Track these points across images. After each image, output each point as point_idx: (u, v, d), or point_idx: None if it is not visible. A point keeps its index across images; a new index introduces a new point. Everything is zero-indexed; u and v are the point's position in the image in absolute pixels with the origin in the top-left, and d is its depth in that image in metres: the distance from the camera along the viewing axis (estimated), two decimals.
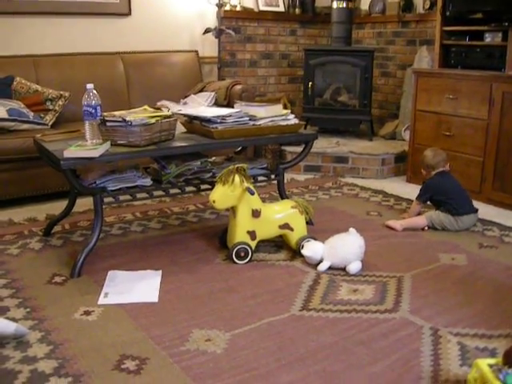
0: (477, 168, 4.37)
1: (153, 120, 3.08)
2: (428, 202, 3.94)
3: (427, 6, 5.61)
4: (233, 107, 3.60)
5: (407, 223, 3.80)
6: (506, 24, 4.30)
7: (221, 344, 2.33)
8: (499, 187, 4.24)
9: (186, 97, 5.15)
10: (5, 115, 4.06)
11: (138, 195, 3.27)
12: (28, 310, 2.61)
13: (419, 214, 3.93)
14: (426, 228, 3.75)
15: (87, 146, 2.90)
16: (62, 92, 4.56)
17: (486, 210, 4.14)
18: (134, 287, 2.85)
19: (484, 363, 1.92)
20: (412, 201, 4.05)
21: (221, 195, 3.06)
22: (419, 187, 4.05)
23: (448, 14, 4.75)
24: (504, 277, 3.04)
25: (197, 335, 2.39)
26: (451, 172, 3.95)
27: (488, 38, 4.55)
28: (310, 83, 5.78)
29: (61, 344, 2.32)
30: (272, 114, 3.48)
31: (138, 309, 2.63)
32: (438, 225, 3.78)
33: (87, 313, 2.58)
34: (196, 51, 5.70)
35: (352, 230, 3.14)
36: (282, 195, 3.76)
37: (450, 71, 4.71)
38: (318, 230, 3.59)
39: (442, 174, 3.88)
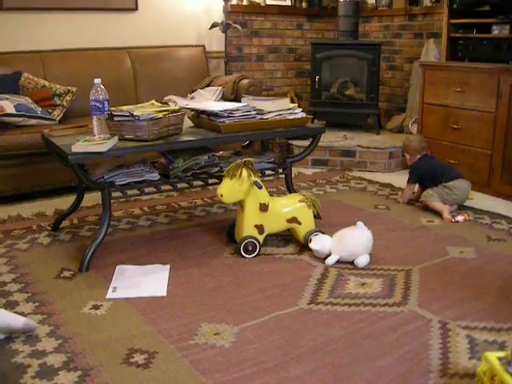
0: (485, 161, 4.35)
1: (160, 114, 3.08)
2: (417, 187, 4.14)
3: None
4: (240, 101, 3.60)
5: (447, 211, 3.84)
6: None
7: (229, 338, 2.33)
8: (507, 180, 4.22)
9: (193, 91, 5.15)
10: (12, 111, 4.07)
11: (146, 190, 3.28)
12: (37, 304, 2.62)
13: (416, 197, 4.16)
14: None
15: (95, 141, 2.90)
16: (69, 87, 4.56)
17: (494, 203, 4.14)
18: (143, 281, 2.85)
19: (493, 356, 1.91)
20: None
21: (228, 189, 3.06)
22: None
23: (455, 6, 4.73)
24: None
25: (205, 329, 2.40)
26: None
27: (495, 31, 4.53)
28: (317, 77, 5.77)
29: (70, 338, 2.32)
30: (279, 108, 3.48)
31: (147, 303, 2.63)
32: (445, 199, 3.89)
33: (96, 307, 2.59)
34: (203, 46, 5.69)
35: (360, 223, 3.13)
36: (290, 189, 3.76)
37: (458, 64, 4.70)
38: (325, 223, 3.59)
39: (425, 157, 4.12)
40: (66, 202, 3.92)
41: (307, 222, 3.26)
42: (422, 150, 4.12)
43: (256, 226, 3.16)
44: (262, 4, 6.11)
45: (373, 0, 6.34)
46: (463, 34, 4.78)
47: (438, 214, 3.88)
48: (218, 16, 5.77)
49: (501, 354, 1.93)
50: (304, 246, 3.27)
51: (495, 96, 4.26)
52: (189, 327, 2.41)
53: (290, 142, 5.33)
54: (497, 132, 4.26)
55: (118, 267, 3.02)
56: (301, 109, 3.59)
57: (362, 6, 6.18)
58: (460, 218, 3.77)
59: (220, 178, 3.28)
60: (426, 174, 4.03)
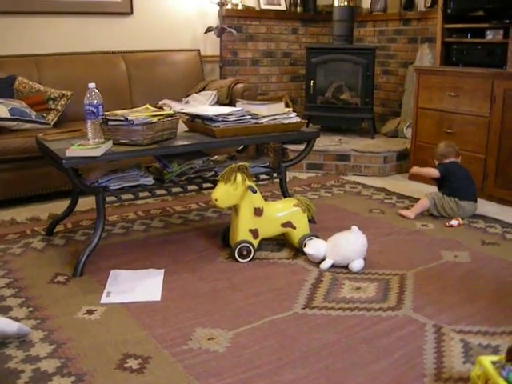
0: (479, 165, 4.36)
1: (155, 119, 3.08)
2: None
3: (428, 4, 5.60)
4: (235, 106, 3.60)
5: (415, 208, 3.97)
6: (507, 21, 4.32)
7: (223, 342, 2.33)
8: (501, 184, 4.24)
9: (187, 96, 5.15)
10: (7, 115, 4.06)
11: (141, 194, 3.27)
12: (30, 309, 2.61)
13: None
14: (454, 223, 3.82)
15: (89, 145, 2.89)
16: (64, 91, 4.56)
17: (488, 207, 4.14)
18: (137, 286, 2.85)
19: (487, 360, 1.92)
20: (415, 198, 4.13)
21: (223, 194, 3.06)
22: (421, 185, 4.48)
23: (449, 11, 4.75)
24: (507, 274, 3.03)
25: (199, 334, 2.39)
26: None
27: (489, 36, 4.55)
28: (312, 81, 5.78)
29: (63, 343, 2.32)
30: (274, 113, 3.48)
31: (141, 308, 2.63)
32: (439, 207, 3.93)
33: (90, 312, 2.59)
34: (198, 50, 5.70)
35: (354, 227, 3.14)
36: (285, 193, 3.76)
37: (452, 69, 4.71)
38: (320, 228, 3.59)
39: (453, 163, 4.04)
40: (60, 206, 3.91)
41: (302, 227, 3.26)
42: (448, 155, 4.04)
43: (250, 230, 3.16)
44: (257, 8, 6.12)
45: (367, 5, 6.37)
46: (457, 39, 4.80)
47: (433, 218, 3.90)
48: (213, 20, 5.78)
49: (495, 358, 1.94)
50: (298, 251, 3.27)
51: (489, 100, 4.28)
52: (183, 332, 2.41)
53: (284, 146, 5.34)
54: (491, 136, 4.28)
55: (112, 272, 3.02)
56: (295, 113, 3.60)
57: (356, 10, 6.20)
58: (454, 222, 3.78)
59: (214, 183, 3.28)
60: (446, 179, 3.98)
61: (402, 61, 6.06)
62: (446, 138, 4.57)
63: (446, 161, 4.04)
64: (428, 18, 5.64)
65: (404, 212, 3.98)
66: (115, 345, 2.31)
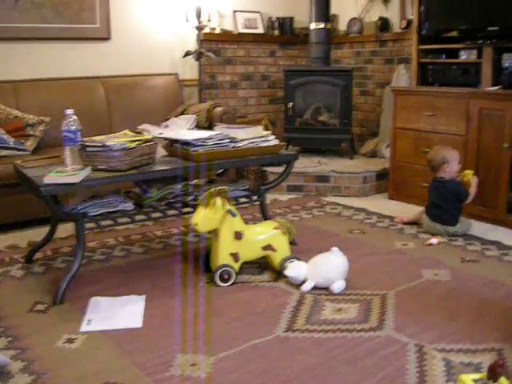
0: None
1: (133, 144, 3.08)
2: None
3: (404, 25, 5.69)
4: (214, 129, 3.61)
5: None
6: (481, 41, 4.40)
7: (206, 368, 2.31)
8: (480, 202, 4.27)
9: (167, 120, 5.15)
10: None
11: (120, 220, 3.26)
12: (10, 339, 2.57)
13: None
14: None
15: (67, 172, 2.89)
16: (42, 117, 4.55)
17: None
18: (118, 313, 2.82)
19: (469, 378, 1.93)
20: (394, 217, 4.18)
21: (203, 218, 3.06)
22: (401, 204, 4.54)
23: (424, 32, 4.84)
24: (487, 291, 3.06)
25: (181, 360, 2.38)
26: None
27: (463, 56, 4.64)
28: (291, 104, 5.81)
29: (44, 373, 2.29)
30: (252, 136, 3.49)
31: (122, 335, 2.60)
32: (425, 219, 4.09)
33: (70, 340, 2.56)
34: (176, 74, 5.72)
35: (335, 248, 3.14)
36: (265, 216, 3.76)
37: (428, 89, 4.77)
38: (301, 249, 3.59)
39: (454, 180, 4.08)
40: (39, 233, 3.88)
41: (282, 249, 3.27)
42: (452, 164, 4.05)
43: (231, 254, 3.15)
44: (235, 32, 6.17)
45: (344, 27, 6.44)
46: (433, 60, 4.87)
47: (413, 237, 3.93)
48: (192, 44, 5.81)
49: (476, 376, 1.95)
50: (280, 273, 3.26)
51: (465, 119, 4.33)
52: (165, 358, 2.39)
53: (264, 168, 5.35)
54: (468, 155, 4.32)
55: (92, 299, 2.99)
56: (274, 136, 3.61)
57: (333, 32, 6.27)
58: (434, 240, 3.80)
59: (194, 207, 3.28)
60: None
61: (379, 81, 6.12)
62: (424, 157, 4.58)
63: (460, 165, 4.06)
64: (403, 39, 5.72)
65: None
66: (96, 374, 2.28)
